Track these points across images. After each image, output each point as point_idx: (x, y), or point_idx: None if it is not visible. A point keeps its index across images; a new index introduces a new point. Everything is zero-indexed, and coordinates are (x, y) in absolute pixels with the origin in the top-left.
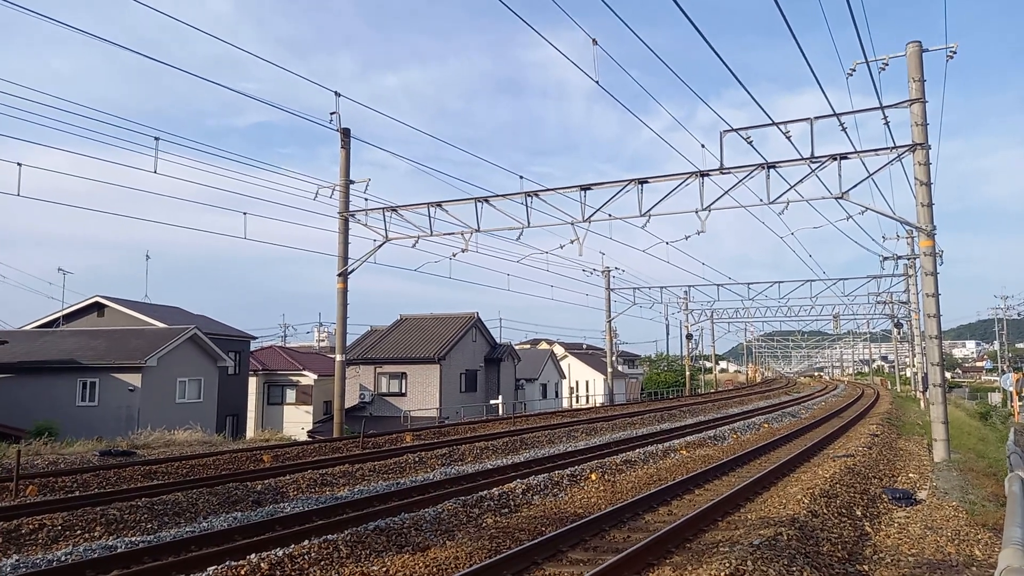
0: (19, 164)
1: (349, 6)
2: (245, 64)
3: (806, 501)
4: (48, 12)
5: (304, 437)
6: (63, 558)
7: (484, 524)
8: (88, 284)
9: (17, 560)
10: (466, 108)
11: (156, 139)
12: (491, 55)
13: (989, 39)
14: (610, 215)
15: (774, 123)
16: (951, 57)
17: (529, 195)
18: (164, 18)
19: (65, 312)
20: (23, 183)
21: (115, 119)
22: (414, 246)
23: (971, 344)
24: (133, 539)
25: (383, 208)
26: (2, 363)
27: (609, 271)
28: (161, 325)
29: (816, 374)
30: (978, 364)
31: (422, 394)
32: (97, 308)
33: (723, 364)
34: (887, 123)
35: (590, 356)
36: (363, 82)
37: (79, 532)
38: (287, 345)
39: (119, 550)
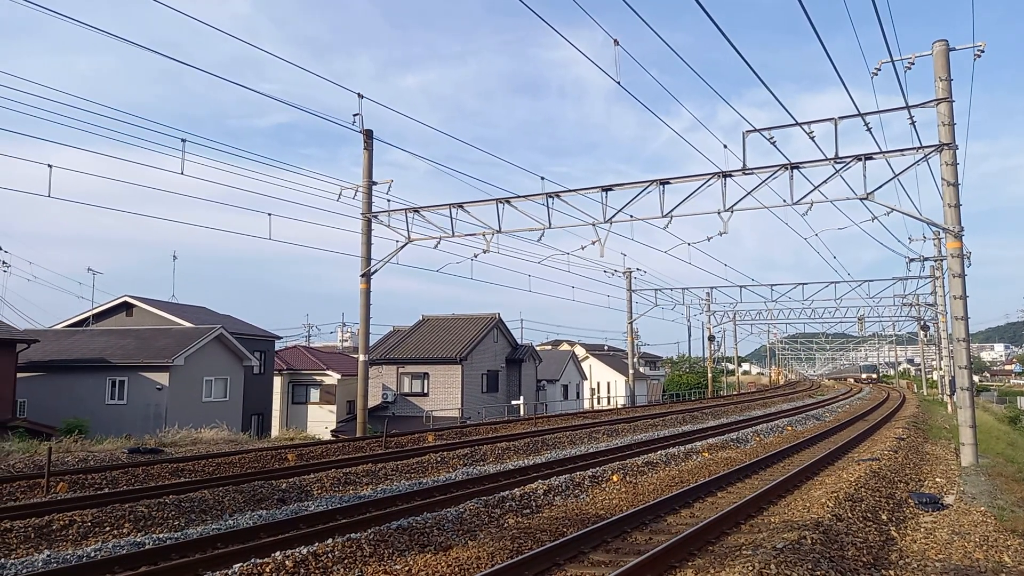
0: (50, 166)
1: (368, 6)
2: (265, 65)
3: (830, 505)
4: (69, 14)
5: (328, 436)
6: (93, 554)
7: (506, 524)
8: (117, 284)
9: (48, 555)
10: (484, 108)
11: (183, 140)
12: (509, 55)
13: (1015, 36)
14: (632, 216)
15: (797, 123)
16: (979, 56)
17: (550, 196)
18: (182, 19)
19: (95, 312)
20: (53, 184)
21: (142, 120)
22: (436, 247)
23: (999, 347)
24: (161, 536)
25: (405, 209)
26: (33, 362)
27: (631, 272)
28: (188, 325)
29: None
30: (1007, 367)
31: (444, 394)
32: (126, 308)
33: (745, 366)
34: (913, 123)
35: (611, 357)
36: (382, 82)
37: (108, 528)
38: (311, 345)
39: (147, 546)
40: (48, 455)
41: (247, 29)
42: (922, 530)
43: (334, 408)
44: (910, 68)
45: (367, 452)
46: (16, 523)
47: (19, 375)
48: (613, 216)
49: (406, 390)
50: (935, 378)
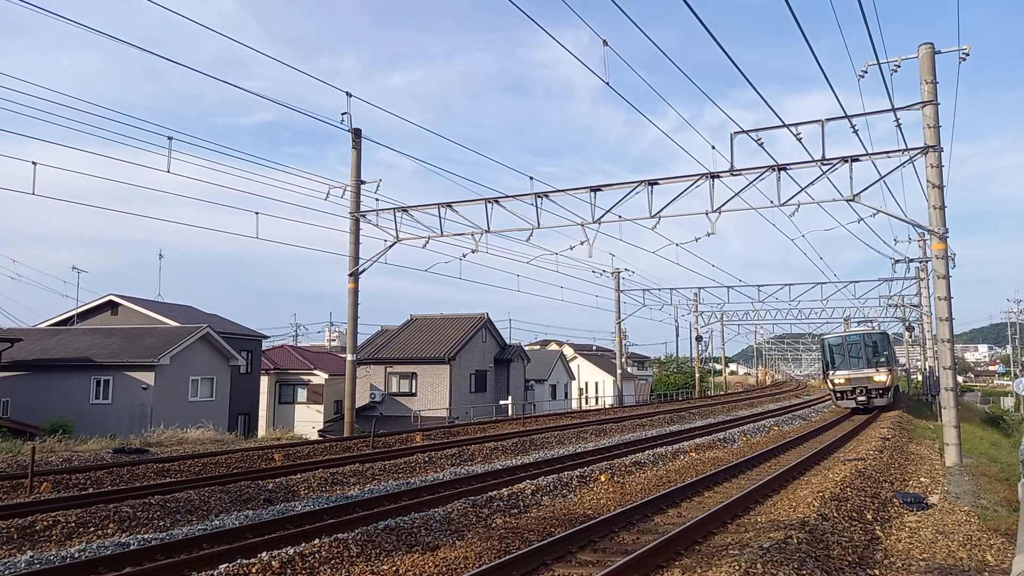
0: (34, 163)
1: (354, 4)
2: (250, 63)
3: (816, 504)
4: (53, 12)
5: (315, 436)
6: (76, 555)
7: (494, 524)
8: (102, 282)
9: (32, 556)
10: (472, 107)
11: (169, 138)
12: (496, 54)
13: (999, 37)
14: (620, 216)
15: (785, 125)
16: (964, 59)
17: (539, 196)
18: (168, 16)
19: (79, 310)
20: (38, 182)
21: (127, 118)
22: (424, 246)
23: (983, 348)
24: (146, 536)
25: (394, 208)
26: (17, 361)
27: (619, 272)
28: (174, 324)
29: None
30: (991, 368)
31: (432, 394)
32: (111, 306)
33: (733, 366)
34: (899, 125)
35: (600, 357)
36: (368, 81)
37: (92, 529)
38: (298, 344)
39: (132, 547)
40: (32, 455)
41: (232, 28)
42: (907, 529)
43: (321, 408)
44: (896, 71)
45: (354, 452)
46: None
47: (2, 374)
48: (601, 216)
49: (394, 390)
50: (920, 378)
